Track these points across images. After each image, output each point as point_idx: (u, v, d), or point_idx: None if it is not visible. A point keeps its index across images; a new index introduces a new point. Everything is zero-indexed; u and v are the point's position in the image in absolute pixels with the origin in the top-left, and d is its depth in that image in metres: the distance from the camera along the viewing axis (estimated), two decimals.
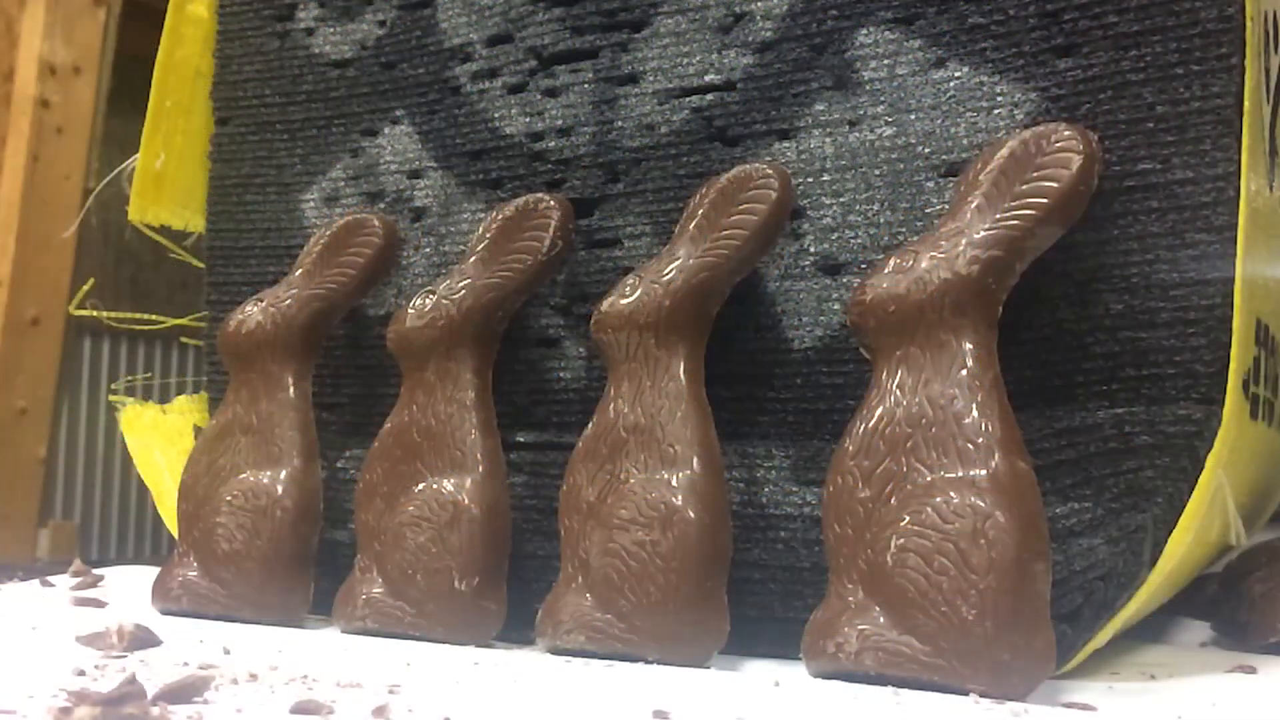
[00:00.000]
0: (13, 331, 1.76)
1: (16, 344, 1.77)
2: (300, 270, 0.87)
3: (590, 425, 0.71)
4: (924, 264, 0.62)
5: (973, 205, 0.63)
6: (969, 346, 0.61)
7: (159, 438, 1.00)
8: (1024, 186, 0.62)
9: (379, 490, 0.78)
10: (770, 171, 0.70)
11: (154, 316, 1.10)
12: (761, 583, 0.71)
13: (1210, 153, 0.63)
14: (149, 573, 0.91)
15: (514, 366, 0.83)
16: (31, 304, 1.78)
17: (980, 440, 0.58)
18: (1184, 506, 0.61)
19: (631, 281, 0.71)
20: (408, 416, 0.78)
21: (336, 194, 0.94)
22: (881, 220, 0.72)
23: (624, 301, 0.71)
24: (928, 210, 0.71)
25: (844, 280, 0.73)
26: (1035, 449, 0.65)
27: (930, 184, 0.71)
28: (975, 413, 0.59)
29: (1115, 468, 0.64)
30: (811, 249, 0.74)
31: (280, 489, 0.80)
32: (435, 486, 0.75)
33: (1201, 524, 0.61)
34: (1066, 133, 0.62)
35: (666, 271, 0.70)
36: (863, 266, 0.72)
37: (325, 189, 0.95)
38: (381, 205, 0.91)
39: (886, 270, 0.63)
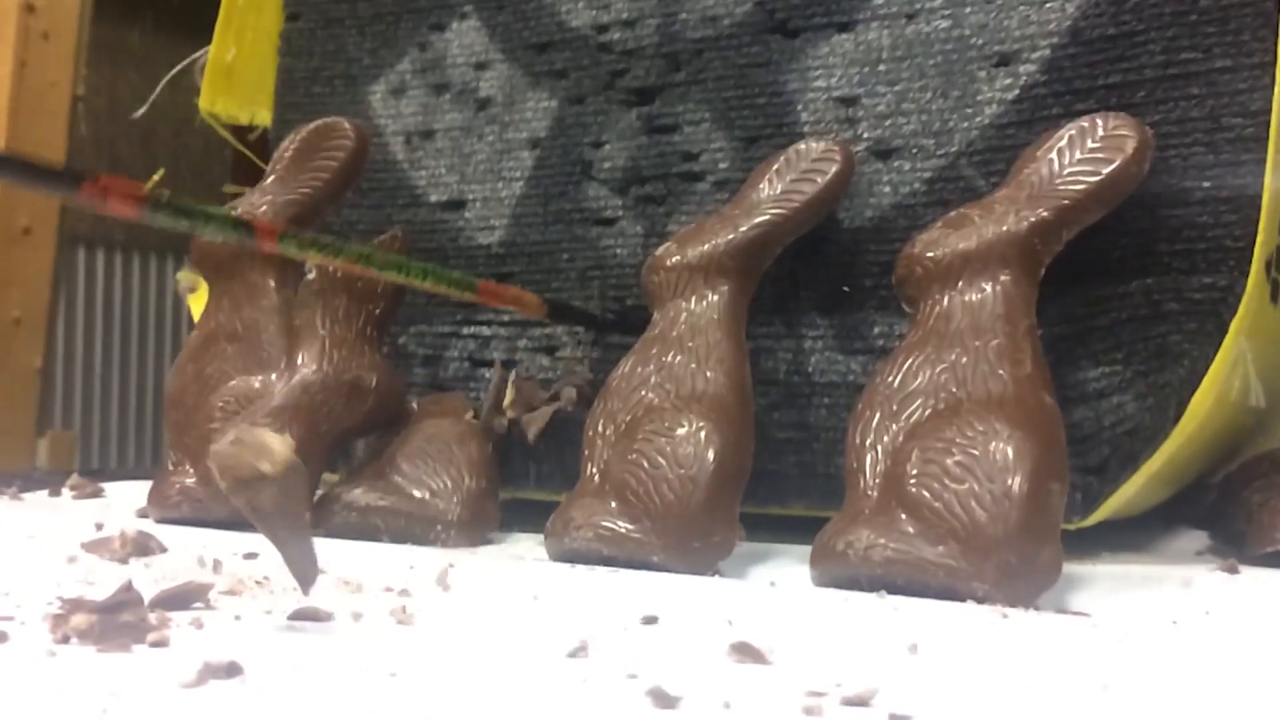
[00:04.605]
0: (4, 241, 1.75)
1: (8, 254, 1.74)
2: (273, 177, 0.87)
3: (630, 355, 0.74)
4: (974, 221, 0.66)
5: (1026, 177, 0.67)
6: (1010, 295, 0.64)
7: None
8: (1076, 168, 0.66)
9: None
10: (836, 147, 0.75)
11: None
12: (806, 441, 0.76)
13: (1249, 43, 0.68)
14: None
15: (573, 244, 0.88)
16: (23, 214, 1.76)
17: (1010, 376, 0.61)
18: (1208, 368, 0.65)
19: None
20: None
21: (403, 86, 0.98)
22: (933, 108, 0.76)
23: (677, 247, 0.74)
24: (978, 98, 0.75)
25: (895, 164, 0.77)
26: (1070, 315, 0.70)
27: (982, 73, 0.75)
28: (1010, 353, 0.62)
29: (1145, 333, 0.68)
30: (865, 135, 0.78)
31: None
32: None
33: (1223, 385, 0.65)
34: (1123, 120, 0.67)
35: (723, 227, 0.74)
36: (914, 151, 0.77)
37: (392, 81, 0.99)
38: (447, 96, 0.95)
39: (936, 227, 0.68)
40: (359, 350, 0.80)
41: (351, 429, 0.81)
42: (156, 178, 0.62)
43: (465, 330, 0.91)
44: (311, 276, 0.80)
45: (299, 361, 0.80)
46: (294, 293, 0.85)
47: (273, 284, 0.85)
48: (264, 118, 1.08)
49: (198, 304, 1.04)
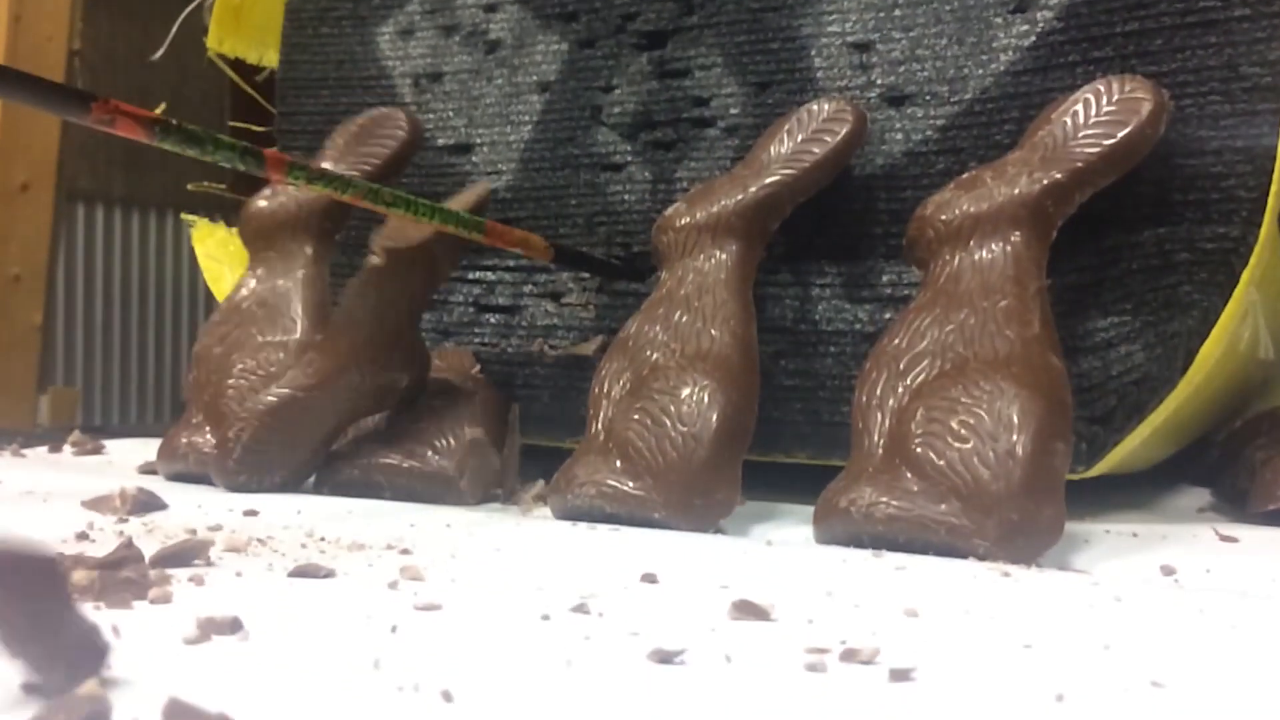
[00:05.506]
0: (2, 198, 1.73)
1: (7, 210, 1.72)
2: (326, 157, 0.88)
3: (638, 314, 0.73)
4: (987, 183, 0.65)
5: (1040, 139, 0.66)
6: (1021, 257, 0.63)
7: (229, 256, 1.04)
8: (1091, 130, 0.65)
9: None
10: (847, 107, 0.74)
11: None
12: (811, 389, 0.76)
13: None
14: (153, 445, 0.86)
15: (580, 189, 0.87)
16: (20, 170, 1.74)
17: (1018, 336, 0.61)
18: (1218, 318, 0.64)
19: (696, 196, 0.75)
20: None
21: (412, 27, 0.97)
22: (949, 54, 0.75)
23: (686, 208, 0.74)
24: (994, 45, 0.74)
25: (908, 111, 0.77)
26: (1081, 265, 0.69)
27: (999, 20, 0.74)
28: (1018, 314, 0.61)
29: (1156, 283, 0.68)
30: (879, 81, 0.78)
31: (293, 359, 0.80)
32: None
33: (1233, 335, 0.65)
34: (1139, 83, 0.66)
35: (732, 187, 0.74)
36: (927, 99, 0.76)
37: (401, 22, 0.98)
38: (456, 38, 0.95)
39: (949, 188, 0.67)
40: (398, 347, 0.78)
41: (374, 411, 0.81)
42: (159, 111, 0.61)
43: (471, 275, 0.91)
44: (376, 262, 0.79)
45: (335, 354, 0.77)
46: (328, 268, 0.86)
47: (310, 253, 0.86)
48: (272, 58, 1.08)
49: (201, 242, 1.04)
